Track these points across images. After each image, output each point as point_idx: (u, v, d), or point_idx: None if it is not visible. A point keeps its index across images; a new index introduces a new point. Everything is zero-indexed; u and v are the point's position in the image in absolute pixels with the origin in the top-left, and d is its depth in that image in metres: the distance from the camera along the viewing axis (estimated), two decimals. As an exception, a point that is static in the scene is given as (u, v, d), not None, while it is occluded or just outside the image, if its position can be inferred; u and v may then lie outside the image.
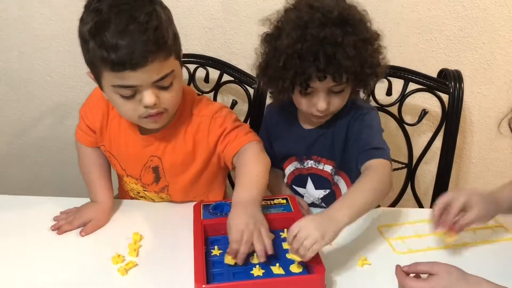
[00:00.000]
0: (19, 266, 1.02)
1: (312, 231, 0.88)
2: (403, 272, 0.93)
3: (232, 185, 1.57)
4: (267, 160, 1.12)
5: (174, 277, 0.98)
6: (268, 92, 1.22)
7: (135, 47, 0.95)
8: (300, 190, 1.27)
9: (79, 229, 1.13)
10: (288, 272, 0.93)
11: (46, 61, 1.77)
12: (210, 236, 1.04)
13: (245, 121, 1.51)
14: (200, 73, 1.54)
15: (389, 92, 1.43)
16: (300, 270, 0.93)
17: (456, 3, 1.55)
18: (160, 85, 1.03)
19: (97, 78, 1.05)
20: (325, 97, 1.06)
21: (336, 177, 1.21)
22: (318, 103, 1.06)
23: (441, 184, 1.48)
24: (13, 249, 1.07)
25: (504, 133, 0.95)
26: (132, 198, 1.31)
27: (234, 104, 1.54)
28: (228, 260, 0.93)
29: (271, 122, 1.28)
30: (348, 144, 1.15)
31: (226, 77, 1.52)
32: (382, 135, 1.14)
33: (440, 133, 1.46)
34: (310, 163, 1.22)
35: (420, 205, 1.55)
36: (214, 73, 1.53)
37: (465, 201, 0.99)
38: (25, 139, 1.93)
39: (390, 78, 1.43)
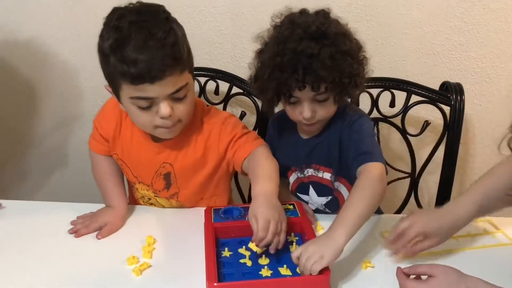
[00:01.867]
0: (39, 267, 1.06)
1: (311, 254, 0.95)
2: (403, 274, 0.95)
3: (238, 189, 1.62)
4: (276, 162, 1.18)
5: (186, 277, 1.02)
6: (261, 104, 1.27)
7: (154, 62, 1.01)
8: (304, 197, 1.31)
9: (95, 233, 1.18)
10: (295, 273, 0.97)
11: (63, 74, 1.85)
12: (220, 238, 1.09)
13: (253, 131, 1.56)
14: (211, 85, 1.59)
15: (392, 104, 1.48)
16: (307, 271, 0.98)
17: (458, 19, 1.61)
18: (175, 97, 1.09)
19: (115, 91, 1.11)
20: (309, 106, 1.11)
21: (337, 184, 1.25)
22: (303, 112, 1.12)
23: (444, 193, 1.51)
24: (32, 251, 1.12)
25: (505, 153, 0.98)
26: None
27: (243, 115, 1.59)
28: (252, 246, 0.99)
29: (273, 134, 1.34)
30: (343, 152, 1.20)
31: (235, 90, 1.57)
32: (373, 139, 1.18)
33: (442, 144, 1.50)
34: (310, 172, 1.26)
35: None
36: (224, 86, 1.59)
37: (420, 232, 1.03)
38: (41, 148, 1.99)
39: (394, 91, 1.48)
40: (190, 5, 1.67)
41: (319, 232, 1.16)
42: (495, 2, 1.56)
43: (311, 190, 1.29)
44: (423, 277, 0.95)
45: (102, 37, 1.07)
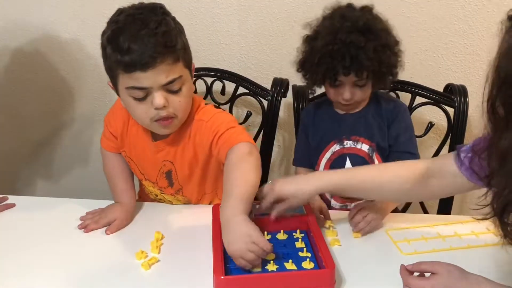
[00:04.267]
0: (50, 261, 1.08)
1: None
2: (407, 271, 0.97)
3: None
4: (253, 159, 1.13)
5: (194, 271, 1.04)
6: (305, 83, 1.38)
7: (145, 49, 1.06)
8: None
9: (104, 228, 1.20)
10: (300, 268, 0.99)
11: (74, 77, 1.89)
12: (227, 234, 1.11)
13: (259, 131, 1.58)
14: (217, 86, 1.62)
15: (397, 105, 1.51)
16: (312, 266, 1.00)
17: (462, 22, 1.63)
18: (169, 89, 1.12)
19: (115, 84, 1.14)
20: (350, 89, 1.28)
21: (374, 157, 1.35)
22: (344, 94, 1.29)
23: (448, 194, 1.53)
24: (43, 246, 1.14)
25: None
26: (152, 200, 1.38)
27: (248, 115, 1.62)
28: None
29: (308, 120, 1.43)
30: (385, 131, 1.34)
31: (241, 90, 1.60)
32: (414, 137, 1.37)
33: (446, 145, 1.52)
34: (349, 143, 1.36)
35: (426, 212, 1.60)
36: (230, 86, 1.61)
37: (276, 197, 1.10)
38: (52, 146, 2.03)
39: (399, 92, 1.50)
40: (197, 7, 1.70)
41: (328, 235, 1.18)
42: (499, 6, 1.58)
43: (348, 163, 1.36)
44: (426, 274, 0.96)
45: (103, 32, 1.12)
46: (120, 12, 1.13)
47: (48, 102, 1.94)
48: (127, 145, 1.30)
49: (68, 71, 1.88)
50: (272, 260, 1.00)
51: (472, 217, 1.08)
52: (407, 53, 1.67)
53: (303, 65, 1.32)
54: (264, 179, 1.56)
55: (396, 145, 1.34)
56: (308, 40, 1.31)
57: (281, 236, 1.11)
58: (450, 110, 1.48)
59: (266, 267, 0.99)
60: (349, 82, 1.27)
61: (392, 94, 1.50)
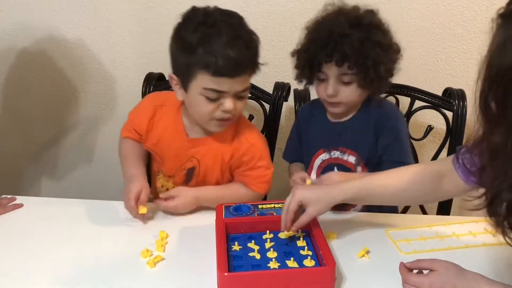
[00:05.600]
0: (55, 260, 1.11)
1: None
2: (406, 268, 0.99)
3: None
4: (246, 198, 1.29)
5: (198, 269, 1.06)
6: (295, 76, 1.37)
7: (240, 59, 1.12)
8: None
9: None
10: (302, 266, 1.02)
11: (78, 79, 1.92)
12: (230, 233, 1.13)
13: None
14: (220, 89, 1.65)
15: (396, 109, 1.53)
16: (313, 264, 1.02)
17: (461, 28, 1.66)
18: (239, 95, 1.19)
19: (187, 80, 1.19)
20: (333, 84, 1.25)
21: (359, 168, 1.33)
22: (328, 88, 1.26)
23: (447, 196, 1.56)
24: (49, 245, 1.16)
25: None
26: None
27: (251, 118, 1.64)
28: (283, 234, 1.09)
29: (302, 121, 1.44)
30: (373, 141, 1.30)
31: (244, 94, 1.62)
32: (407, 145, 1.31)
33: (444, 148, 1.55)
34: (336, 154, 1.35)
35: (425, 213, 1.62)
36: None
37: (298, 203, 1.07)
38: (56, 147, 2.06)
39: (398, 96, 1.53)
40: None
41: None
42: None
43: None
44: (425, 271, 0.98)
45: (185, 29, 1.16)
46: (206, 14, 1.17)
47: (53, 103, 1.97)
48: (150, 140, 1.35)
49: (72, 73, 1.91)
50: (274, 258, 1.03)
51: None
52: (407, 58, 1.70)
53: (296, 59, 1.32)
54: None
55: (387, 154, 1.30)
56: (304, 31, 1.31)
57: (283, 235, 1.13)
58: (449, 114, 1.50)
59: (268, 265, 1.02)
60: (333, 75, 1.24)
61: (392, 98, 1.52)
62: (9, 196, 1.35)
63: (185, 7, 1.74)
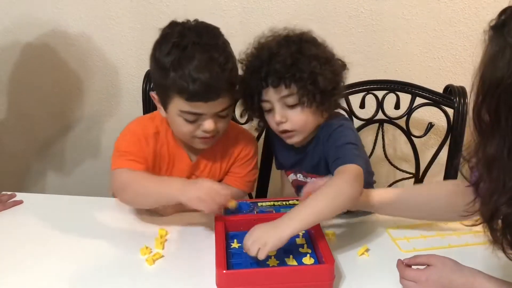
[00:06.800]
0: (54, 257, 1.11)
1: (256, 238, 0.97)
2: (403, 264, 0.99)
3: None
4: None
5: (197, 266, 1.06)
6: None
7: (213, 84, 1.10)
8: None
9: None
10: (301, 263, 1.02)
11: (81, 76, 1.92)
12: (230, 231, 1.13)
13: (260, 134, 1.56)
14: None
15: (397, 106, 1.52)
16: (312, 262, 1.02)
17: (462, 24, 1.65)
18: (219, 115, 1.17)
19: (164, 101, 1.17)
20: (279, 111, 1.17)
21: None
22: (275, 116, 1.18)
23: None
24: (48, 242, 1.16)
25: None
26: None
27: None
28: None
29: (271, 137, 1.40)
30: (324, 158, 1.22)
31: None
32: (351, 145, 1.16)
33: (445, 145, 1.54)
34: (301, 177, 1.32)
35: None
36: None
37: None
38: (60, 144, 2.06)
39: (399, 93, 1.52)
40: (200, 9, 1.73)
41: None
42: (498, 8, 1.59)
43: None
44: (422, 267, 0.98)
45: (160, 50, 1.14)
46: (181, 34, 1.13)
47: (56, 100, 1.97)
48: (158, 164, 1.28)
49: (76, 70, 1.91)
50: (273, 255, 1.03)
51: (461, 223, 1.11)
52: (408, 55, 1.71)
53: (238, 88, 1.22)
54: (266, 178, 1.59)
55: (330, 161, 1.17)
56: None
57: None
58: (450, 111, 1.50)
59: (267, 263, 1.02)
60: (275, 100, 1.16)
61: (393, 95, 1.51)
62: (9, 193, 1.35)
63: (185, 3, 1.75)
